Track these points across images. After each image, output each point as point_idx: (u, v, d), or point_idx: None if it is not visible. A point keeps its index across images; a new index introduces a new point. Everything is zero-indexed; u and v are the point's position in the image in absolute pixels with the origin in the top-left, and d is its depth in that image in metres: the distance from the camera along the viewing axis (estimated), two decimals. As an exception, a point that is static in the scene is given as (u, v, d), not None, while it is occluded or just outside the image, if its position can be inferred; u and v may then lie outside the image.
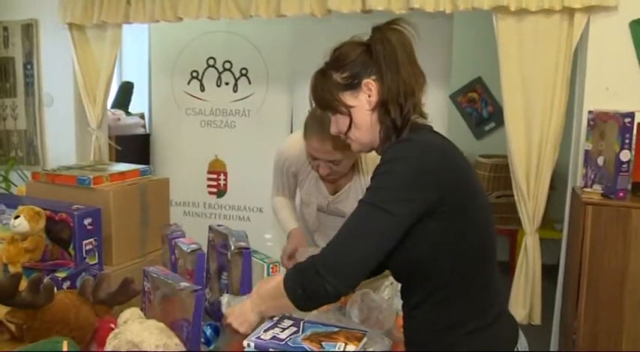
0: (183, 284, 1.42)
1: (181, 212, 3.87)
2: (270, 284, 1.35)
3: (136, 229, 2.12)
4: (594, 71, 2.57)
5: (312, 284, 1.20)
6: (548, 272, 2.80)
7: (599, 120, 2.42)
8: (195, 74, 3.77)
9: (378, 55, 1.29)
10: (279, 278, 1.31)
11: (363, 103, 1.32)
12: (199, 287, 1.41)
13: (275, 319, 1.38)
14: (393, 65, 1.28)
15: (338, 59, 1.35)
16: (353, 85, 1.32)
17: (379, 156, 2.00)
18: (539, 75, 2.59)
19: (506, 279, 2.74)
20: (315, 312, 1.62)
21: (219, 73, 3.73)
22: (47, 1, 3.43)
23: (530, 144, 2.62)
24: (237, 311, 1.40)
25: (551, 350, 2.83)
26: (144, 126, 4.11)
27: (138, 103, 4.30)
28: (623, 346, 2.30)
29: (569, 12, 2.53)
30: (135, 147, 3.90)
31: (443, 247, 1.23)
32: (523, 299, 2.70)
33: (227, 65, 3.72)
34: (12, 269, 1.81)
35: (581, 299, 2.34)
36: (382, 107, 1.31)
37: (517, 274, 2.73)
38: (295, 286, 1.24)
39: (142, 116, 4.19)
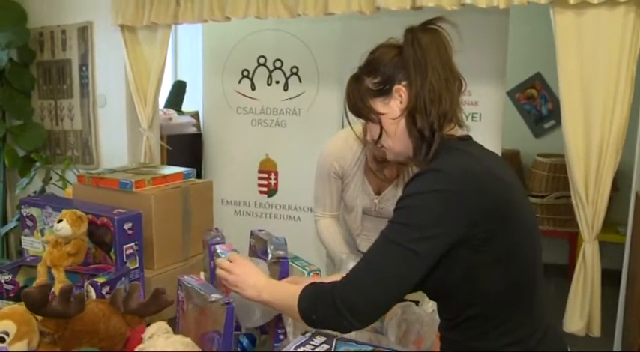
0: (215, 295, 1.39)
1: (232, 211, 3.88)
2: (293, 287, 1.29)
3: (177, 233, 2.12)
4: (663, 68, 2.39)
5: (327, 316, 1.17)
6: (611, 277, 2.64)
7: (666, 121, 2.25)
8: (245, 73, 3.76)
9: (407, 58, 1.22)
10: (303, 285, 1.26)
11: (394, 111, 1.26)
12: (231, 299, 1.38)
13: (307, 335, 1.33)
14: (422, 69, 1.20)
15: (370, 63, 1.30)
16: (384, 91, 1.26)
17: None
18: (600, 72, 2.42)
19: (565, 284, 2.60)
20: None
21: (270, 72, 3.71)
22: (101, 4, 3.50)
23: (589, 147, 2.46)
24: (246, 273, 1.37)
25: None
26: (196, 126, 4.13)
27: (193, 102, 4.34)
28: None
29: (636, 3, 2.35)
30: (187, 146, 3.93)
31: (476, 274, 1.15)
32: (580, 310, 2.55)
33: (277, 63, 3.69)
34: (55, 273, 1.83)
35: (645, 313, 2.19)
36: (409, 115, 1.23)
37: (574, 282, 2.57)
38: (309, 310, 1.21)
39: (195, 115, 4.22)
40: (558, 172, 4.19)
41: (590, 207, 2.49)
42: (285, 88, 3.69)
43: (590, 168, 2.47)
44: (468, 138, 1.28)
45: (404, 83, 1.23)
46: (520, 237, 1.19)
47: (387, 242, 1.15)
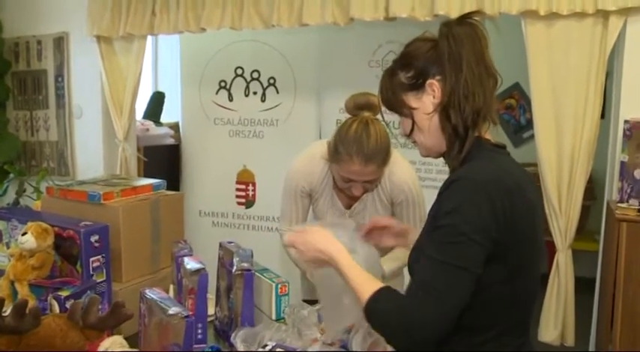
0: (175, 309, 1.37)
1: (210, 222, 3.85)
2: (370, 281, 1.23)
3: (146, 245, 2.09)
4: (631, 78, 2.41)
5: (389, 335, 1.17)
6: (590, 286, 2.66)
7: (635, 130, 2.27)
8: (223, 84, 3.75)
9: (442, 52, 1.20)
10: (378, 286, 1.19)
11: (426, 105, 1.24)
12: (189, 313, 1.36)
13: (267, 348, 1.32)
14: (456, 64, 1.18)
15: (404, 57, 1.28)
16: (417, 85, 1.25)
17: (393, 162, 1.94)
18: (570, 82, 2.45)
19: (544, 293, 2.60)
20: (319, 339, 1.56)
21: (247, 83, 3.70)
22: (77, 14, 3.47)
23: (561, 156, 2.49)
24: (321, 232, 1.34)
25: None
26: (174, 137, 4.11)
27: (173, 113, 4.32)
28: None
29: (604, 15, 2.38)
30: (164, 157, 3.90)
31: (480, 286, 1.14)
32: (555, 319, 2.55)
33: (255, 74, 3.69)
34: (18, 287, 1.80)
35: (616, 322, 2.19)
36: (443, 111, 1.21)
37: (549, 292, 2.58)
38: (372, 320, 1.19)
39: (175, 126, 4.19)
40: (538, 181, 4.19)
41: (563, 217, 2.50)
42: (263, 98, 3.69)
43: (563, 178, 2.49)
44: (503, 146, 1.27)
45: (437, 78, 1.22)
46: (533, 257, 1.19)
47: (437, 264, 1.12)
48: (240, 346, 1.47)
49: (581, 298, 2.61)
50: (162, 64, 4.98)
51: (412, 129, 1.28)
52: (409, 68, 1.26)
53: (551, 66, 2.46)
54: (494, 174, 1.16)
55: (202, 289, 1.66)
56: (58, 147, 3.70)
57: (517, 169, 1.23)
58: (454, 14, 2.51)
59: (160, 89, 4.67)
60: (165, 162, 3.89)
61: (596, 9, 2.33)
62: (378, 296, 1.17)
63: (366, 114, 1.92)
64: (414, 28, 2.96)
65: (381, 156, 1.86)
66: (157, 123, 4.08)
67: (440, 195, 1.17)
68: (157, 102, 4.21)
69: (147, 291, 1.51)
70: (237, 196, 3.81)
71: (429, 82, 1.23)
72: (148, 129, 3.83)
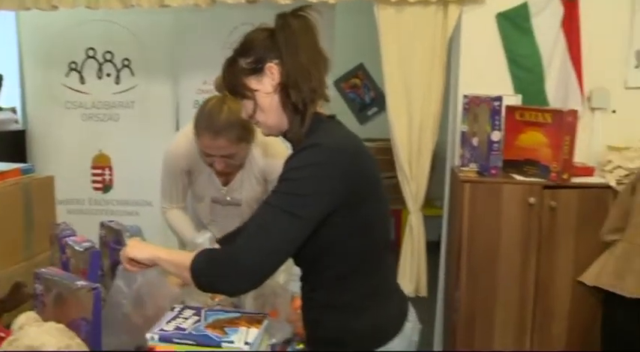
0: (80, 283, 1.39)
1: (65, 210, 3.68)
2: (188, 253, 1.33)
3: (19, 231, 2.01)
4: (467, 59, 2.77)
5: (217, 279, 1.23)
6: (431, 248, 3.00)
7: (472, 104, 2.61)
8: (73, 65, 3.59)
9: (279, 40, 1.33)
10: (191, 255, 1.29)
11: (266, 87, 1.35)
12: (97, 285, 1.39)
13: (176, 310, 1.39)
14: (292, 50, 1.32)
15: (244, 45, 1.38)
16: (257, 69, 1.35)
17: (269, 143, 2.05)
18: (417, 63, 2.74)
19: (393, 256, 2.90)
20: (213, 303, 1.65)
21: (100, 65, 3.58)
22: None
23: (411, 129, 2.78)
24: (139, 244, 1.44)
25: (437, 318, 3.03)
26: (17, 122, 3.85)
27: (8, 97, 4.01)
28: (496, 312, 2.52)
29: (444, 4, 2.70)
30: (8, 144, 3.65)
31: (341, 238, 1.31)
32: (410, 274, 2.88)
33: (108, 56, 3.58)
34: None
35: (462, 271, 2.53)
36: (283, 90, 1.34)
37: (404, 250, 2.90)
38: (200, 272, 1.25)
39: (13, 110, 3.92)
40: (382, 155, 4.49)
41: (413, 182, 2.81)
42: (117, 80, 3.60)
43: (413, 148, 2.79)
44: (334, 117, 1.43)
45: (275, 61, 1.34)
46: (377, 211, 1.37)
47: (273, 209, 1.24)
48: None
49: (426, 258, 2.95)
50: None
51: (254, 111, 1.40)
52: (248, 54, 1.37)
53: (400, 48, 2.74)
54: (340, 140, 1.33)
55: (95, 266, 1.67)
56: None
57: (352, 134, 1.41)
58: (313, -2, 2.68)
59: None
60: (10, 148, 3.64)
61: (437, -2, 2.64)
62: (197, 256, 1.27)
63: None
64: (270, 11, 3.08)
65: (232, 131, 1.93)
66: (-2, 107, 3.80)
67: (287, 161, 1.31)
68: (-5, 85, 3.90)
69: (43, 271, 1.50)
70: (94, 181, 3.70)
71: (267, 65, 1.35)
72: (-11, 115, 3.56)
